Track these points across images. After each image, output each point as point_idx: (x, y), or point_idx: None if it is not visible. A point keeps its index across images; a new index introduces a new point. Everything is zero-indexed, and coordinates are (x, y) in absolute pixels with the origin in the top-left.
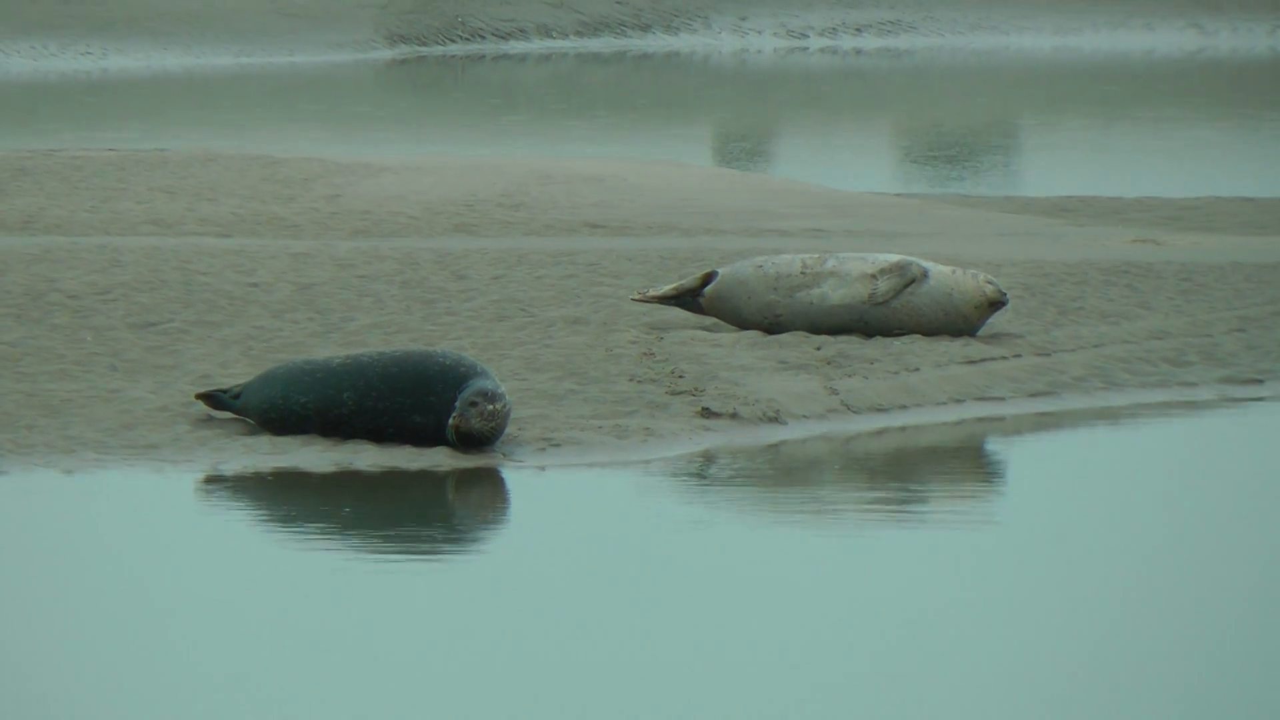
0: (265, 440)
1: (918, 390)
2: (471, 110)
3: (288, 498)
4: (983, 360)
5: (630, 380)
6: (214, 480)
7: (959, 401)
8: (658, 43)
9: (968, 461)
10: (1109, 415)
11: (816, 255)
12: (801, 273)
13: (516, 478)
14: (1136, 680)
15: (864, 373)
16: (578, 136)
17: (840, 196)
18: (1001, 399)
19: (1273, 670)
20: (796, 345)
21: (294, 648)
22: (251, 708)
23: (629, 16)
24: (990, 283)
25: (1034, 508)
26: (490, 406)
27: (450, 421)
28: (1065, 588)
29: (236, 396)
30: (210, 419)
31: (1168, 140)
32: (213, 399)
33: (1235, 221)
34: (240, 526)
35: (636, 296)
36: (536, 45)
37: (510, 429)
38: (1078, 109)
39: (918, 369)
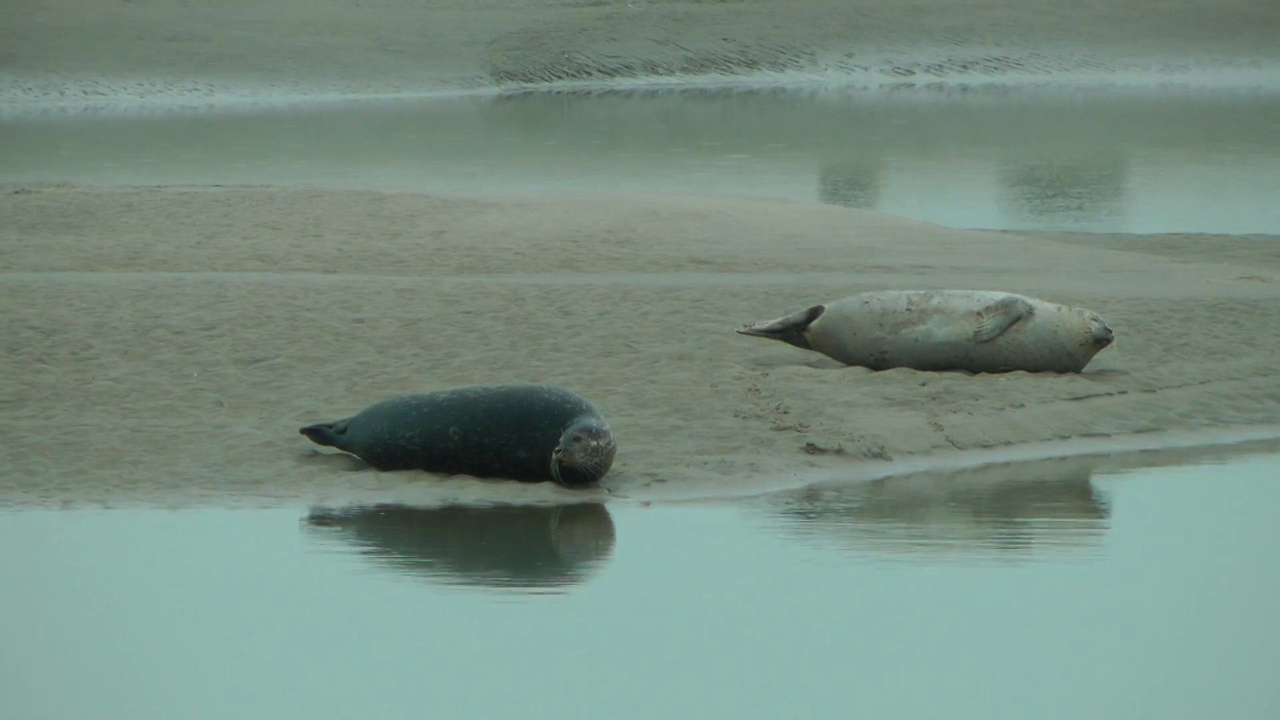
0: (371, 476)
1: (1023, 426)
2: (577, 146)
3: (394, 534)
4: (1088, 397)
5: (735, 416)
6: (320, 517)
7: (1064, 438)
8: (764, 79)
9: (1073, 498)
10: (1215, 452)
11: (922, 292)
12: (907, 309)
13: (621, 513)
14: (1245, 716)
15: (969, 409)
16: (684, 173)
17: (946, 233)
18: (1107, 435)
19: None
20: (902, 381)
21: (401, 684)
22: None
23: (735, 53)
24: (1096, 320)
25: (1140, 545)
26: (594, 443)
27: (554, 455)
28: (1172, 625)
29: (342, 431)
30: (315, 454)
31: (1275, 177)
32: (317, 434)
33: None
34: (346, 563)
35: (743, 329)
36: (643, 82)
37: (615, 465)
38: (1184, 146)
39: (1023, 405)
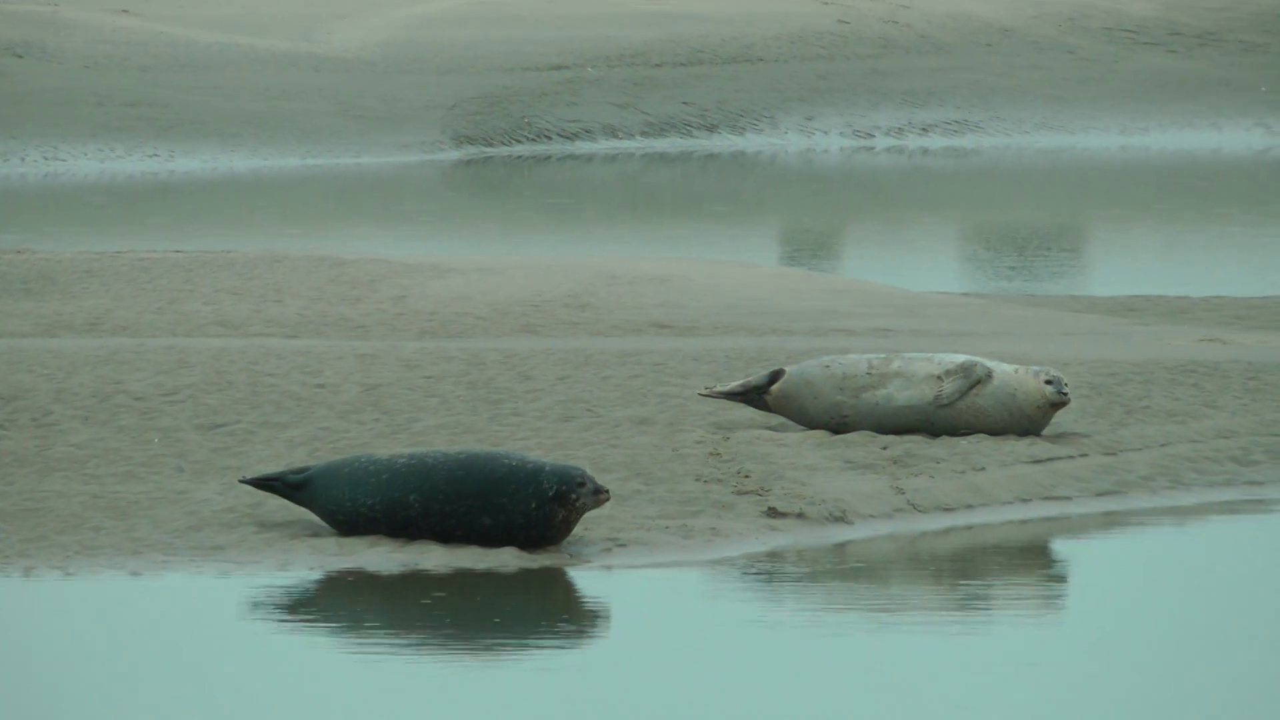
0: (332, 541)
1: (984, 490)
2: (538, 211)
3: (355, 600)
4: (1049, 459)
5: (696, 480)
6: (280, 583)
7: (1025, 501)
8: (724, 143)
9: (1034, 561)
10: (1176, 514)
11: (883, 356)
12: (868, 373)
13: (583, 578)
14: None
15: (930, 472)
16: (644, 237)
17: (907, 296)
18: (1068, 498)
19: None
20: (863, 445)
21: None
22: None
23: (695, 117)
24: (1049, 383)
25: (1101, 608)
26: (594, 486)
27: (576, 500)
28: (1132, 689)
29: (296, 486)
30: (275, 521)
31: (1235, 239)
32: (263, 484)
33: None
34: (308, 629)
35: (704, 391)
36: (603, 145)
37: (578, 529)
38: (1144, 208)
39: (984, 468)
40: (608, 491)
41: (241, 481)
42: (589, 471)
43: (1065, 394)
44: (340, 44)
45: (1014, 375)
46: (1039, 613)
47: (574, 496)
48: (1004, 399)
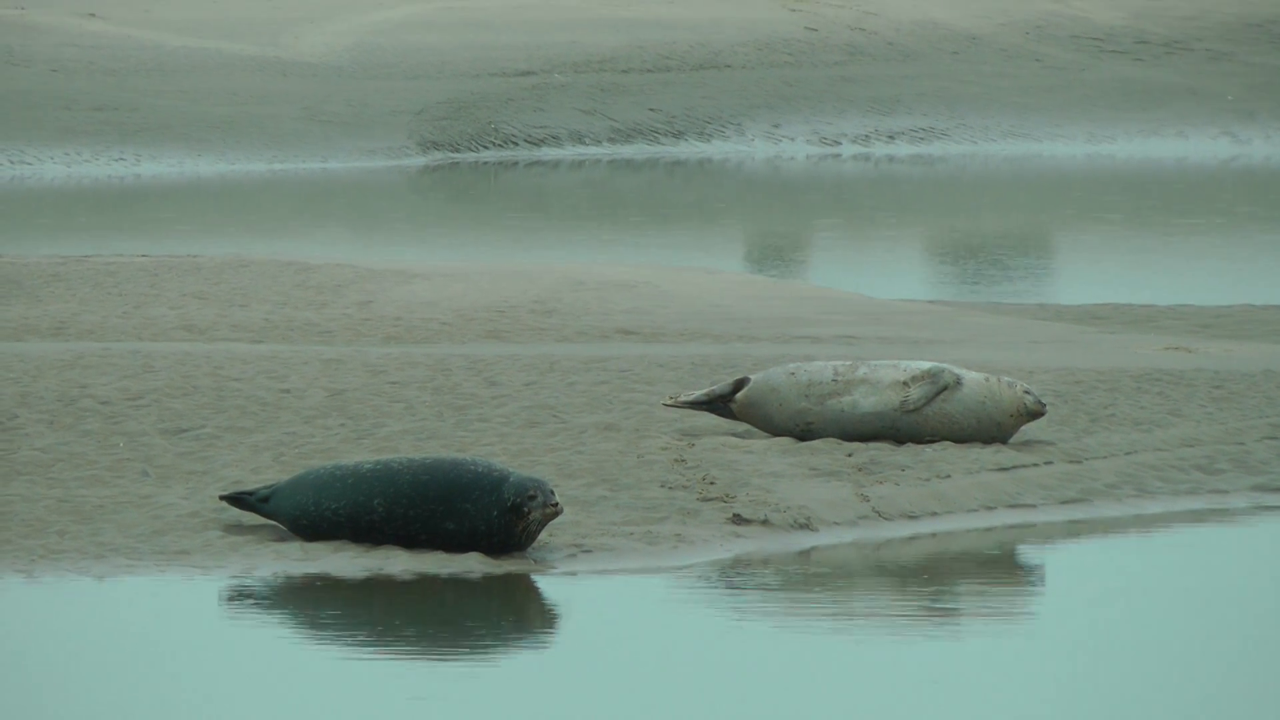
0: (296, 546)
1: (949, 497)
2: (504, 217)
3: (319, 605)
4: (1014, 467)
5: (661, 486)
6: (245, 587)
7: (990, 509)
8: (691, 149)
9: (999, 569)
10: (1141, 523)
11: (849, 363)
12: (833, 380)
13: (548, 584)
14: None
15: (895, 479)
16: (610, 243)
17: (873, 304)
18: (1033, 506)
19: None
20: (828, 452)
21: None
22: None
23: (662, 123)
24: (1028, 393)
25: (1065, 616)
26: (545, 498)
27: (528, 512)
28: (1097, 697)
29: (265, 499)
30: (241, 525)
31: (1200, 248)
32: (239, 501)
33: (1268, 329)
34: (272, 634)
35: (669, 401)
36: (569, 152)
37: (543, 535)
38: (1110, 216)
39: (949, 476)
40: (557, 505)
41: (220, 498)
42: (548, 483)
43: (1044, 404)
44: (307, 49)
45: (984, 383)
46: (1003, 621)
47: (526, 509)
48: (974, 407)
